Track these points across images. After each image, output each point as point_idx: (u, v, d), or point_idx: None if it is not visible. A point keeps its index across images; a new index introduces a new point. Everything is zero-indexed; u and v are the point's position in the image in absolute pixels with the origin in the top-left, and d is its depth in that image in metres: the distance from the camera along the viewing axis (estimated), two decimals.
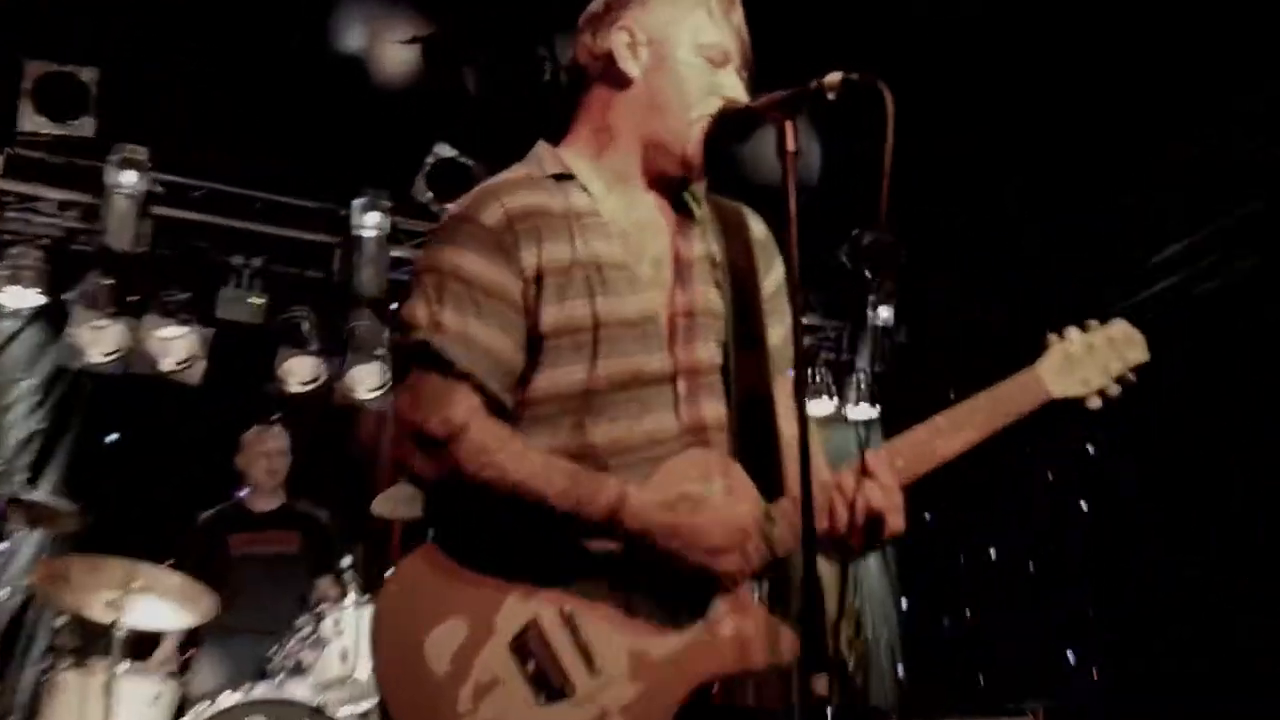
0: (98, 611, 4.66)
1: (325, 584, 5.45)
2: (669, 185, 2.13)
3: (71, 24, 5.77)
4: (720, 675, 1.88)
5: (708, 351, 2.06)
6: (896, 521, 1.91)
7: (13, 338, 4.76)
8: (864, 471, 1.91)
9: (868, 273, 6.96)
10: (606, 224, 2.04)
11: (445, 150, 6.38)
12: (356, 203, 6.45)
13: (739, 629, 1.89)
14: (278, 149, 6.32)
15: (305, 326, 6.51)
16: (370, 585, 5.15)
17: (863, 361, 7.22)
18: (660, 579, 1.86)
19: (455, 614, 1.84)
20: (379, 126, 6.23)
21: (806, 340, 6.98)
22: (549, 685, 1.82)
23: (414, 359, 1.92)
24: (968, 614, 7.43)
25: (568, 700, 1.81)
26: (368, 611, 4.72)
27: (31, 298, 6.03)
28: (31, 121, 5.85)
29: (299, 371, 6.55)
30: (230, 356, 6.45)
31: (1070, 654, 6.54)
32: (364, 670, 4.69)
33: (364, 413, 6.81)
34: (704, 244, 2.13)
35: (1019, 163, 6.15)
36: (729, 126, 2.05)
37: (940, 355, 7.17)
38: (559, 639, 1.84)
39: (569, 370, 1.95)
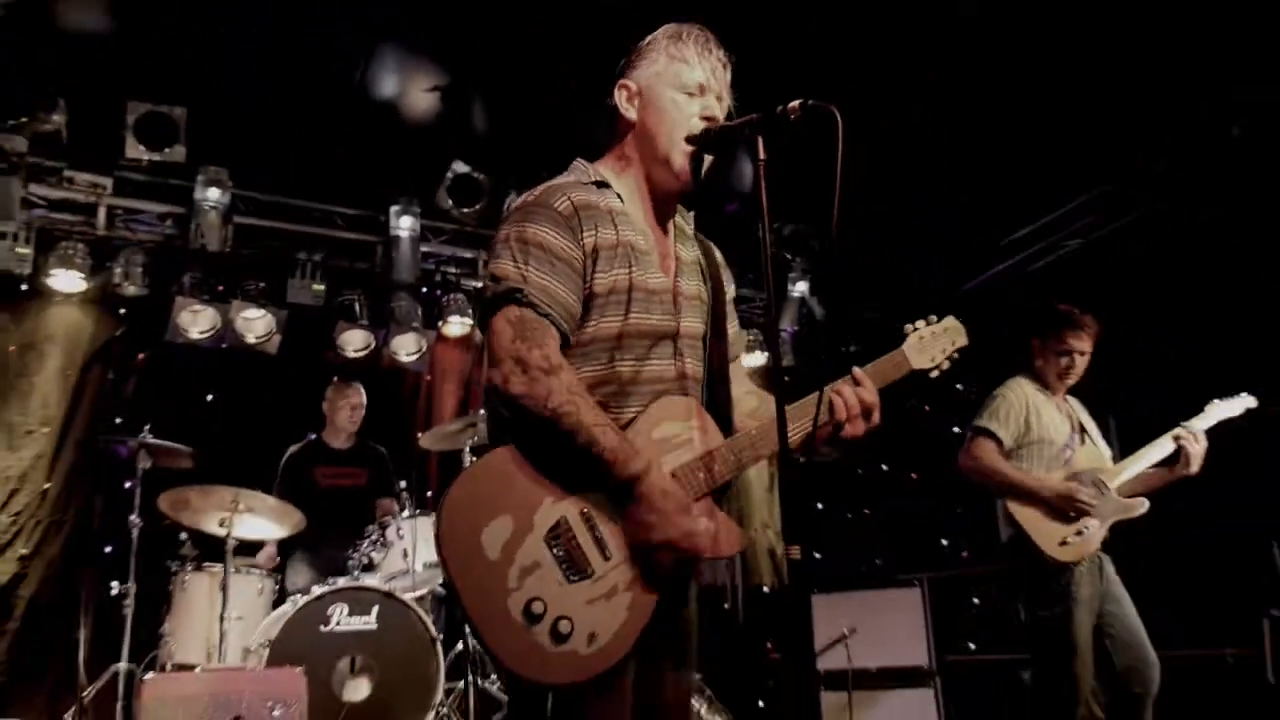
0: (212, 527, 4.76)
1: (386, 502, 5.50)
2: (668, 201, 2.21)
3: (163, 72, 5.71)
4: (696, 558, 1.98)
5: (697, 325, 2.17)
6: (878, 416, 2.12)
7: (130, 322, 4.80)
8: (856, 382, 2.12)
9: (788, 255, 7.07)
10: (633, 220, 2.12)
11: (461, 168, 6.43)
12: (393, 209, 6.50)
13: (708, 527, 1.98)
14: (332, 169, 6.29)
15: (357, 307, 6.53)
16: (419, 503, 5.24)
17: (785, 323, 7.28)
18: None
19: (503, 513, 1.87)
20: (411, 151, 6.26)
21: (743, 308, 6.95)
22: (574, 568, 1.89)
23: (507, 302, 1.95)
24: (866, 512, 7.61)
25: (589, 579, 1.89)
26: (418, 522, 4.95)
27: (139, 289, 6.05)
28: (134, 150, 5.86)
29: (353, 342, 6.57)
30: (299, 331, 6.44)
31: (944, 541, 6.79)
32: (419, 564, 4.80)
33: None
34: (692, 252, 2.26)
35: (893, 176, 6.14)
36: (714, 142, 2.11)
37: (842, 318, 7.40)
38: (581, 533, 1.91)
39: (610, 320, 2.02)
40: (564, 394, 1.89)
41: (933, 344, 2.30)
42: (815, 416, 2.05)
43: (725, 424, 2.13)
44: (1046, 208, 6.44)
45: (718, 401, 2.16)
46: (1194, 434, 3.90)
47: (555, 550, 1.88)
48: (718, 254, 2.35)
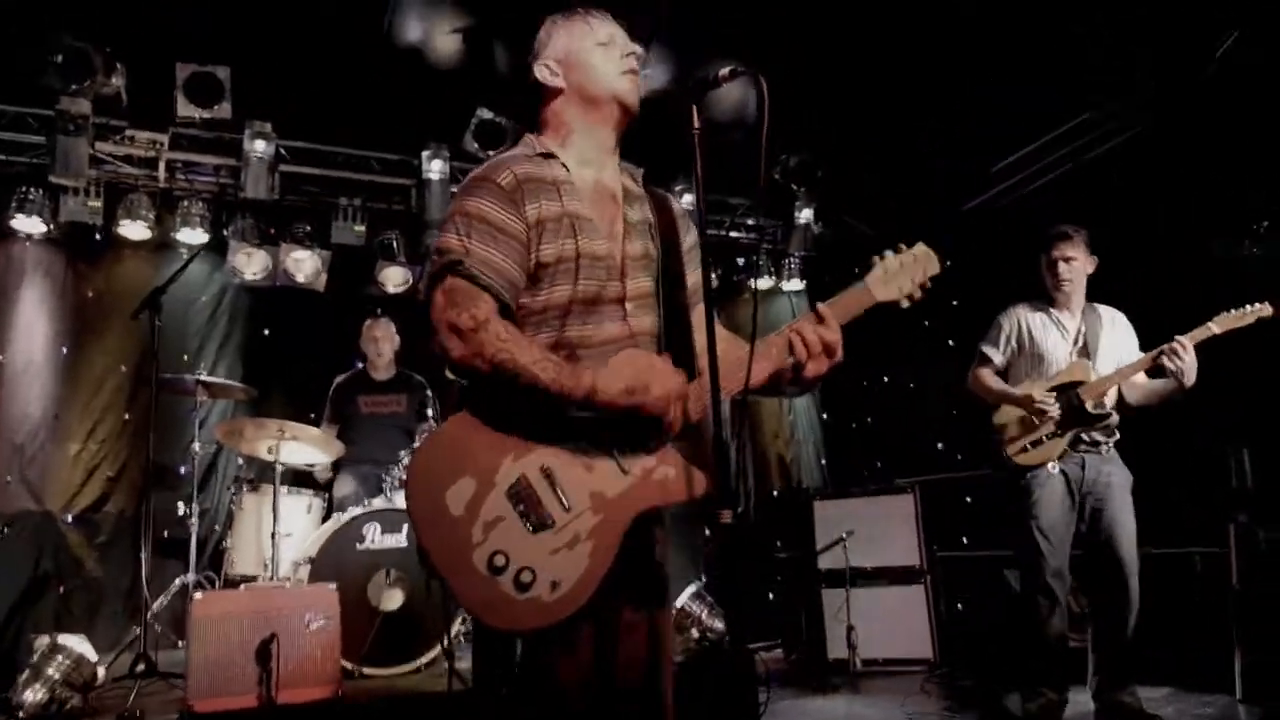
0: (263, 453, 4.83)
1: (423, 427, 5.47)
2: (611, 148, 2.10)
3: (208, 35, 5.63)
4: (653, 506, 1.91)
5: (645, 284, 2.06)
6: (840, 352, 1.98)
7: (189, 265, 4.84)
8: (819, 320, 1.97)
9: (793, 185, 6.86)
10: (579, 189, 2.02)
11: (485, 113, 6.24)
12: (425, 154, 6.39)
13: (664, 474, 1.92)
14: (367, 117, 6.14)
15: (395, 245, 6.46)
16: None
17: (792, 249, 7.17)
18: (612, 439, 1.89)
19: (466, 474, 1.82)
20: (438, 97, 6.05)
21: (751, 237, 7.36)
22: (536, 519, 1.83)
23: (448, 273, 1.87)
24: (869, 421, 7.51)
25: (550, 530, 1.83)
26: None
27: (200, 236, 6.07)
28: (185, 109, 5.78)
29: (393, 278, 6.55)
30: (344, 270, 6.43)
31: (940, 445, 6.65)
32: None
33: None
34: (641, 212, 2.12)
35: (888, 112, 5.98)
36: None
37: (845, 243, 7.21)
38: (541, 487, 1.85)
39: (560, 289, 1.94)
40: (495, 343, 1.81)
41: (901, 274, 2.07)
42: (748, 367, 1.89)
43: (689, 374, 2.01)
44: (1039, 132, 6.11)
45: (678, 353, 2.03)
46: (1176, 349, 3.65)
47: (517, 504, 1.83)
48: (674, 204, 2.21)
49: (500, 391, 1.83)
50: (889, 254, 2.09)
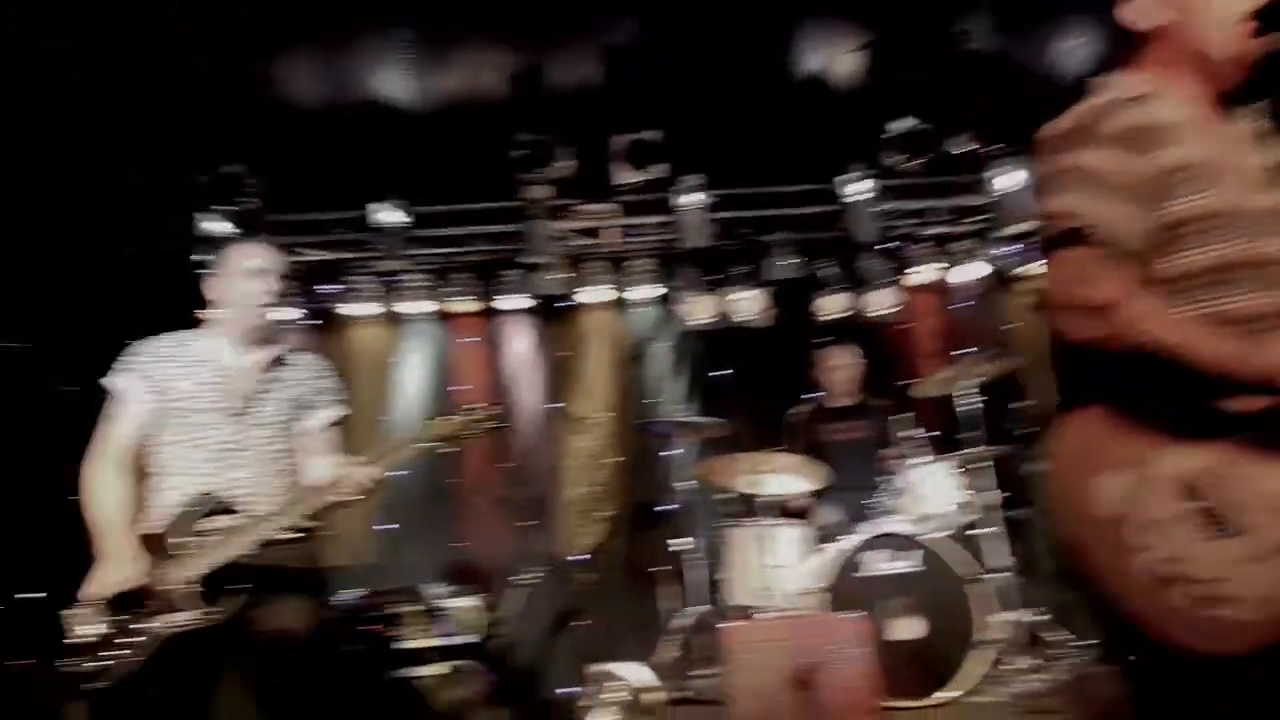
0: (744, 487, 4.96)
1: (890, 452, 5.35)
2: (1224, 100, 1.81)
3: (631, 106, 6.05)
4: None
5: None
6: None
7: (645, 318, 5.17)
8: None
9: None
10: (1197, 133, 1.72)
11: (904, 123, 6.09)
12: (846, 177, 6.35)
13: None
14: (787, 154, 6.26)
15: (830, 273, 6.51)
16: (925, 450, 5.07)
17: None
18: None
19: (1114, 468, 1.63)
20: (849, 119, 6.04)
21: None
22: (1213, 524, 1.57)
23: (1067, 242, 1.69)
24: None
25: (1235, 536, 1.56)
26: (923, 469, 4.81)
27: (651, 290, 6.62)
28: (625, 175, 6.28)
29: (832, 306, 6.57)
30: (784, 303, 6.56)
31: None
32: (934, 508, 4.65)
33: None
34: (1267, 156, 1.79)
35: None
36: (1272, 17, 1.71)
37: None
38: (1215, 486, 1.58)
39: (1196, 252, 1.68)
40: (1136, 322, 1.61)
41: None
42: None
43: None
44: None
45: None
46: None
47: (1185, 505, 1.58)
48: None
49: (1147, 377, 1.62)
50: None
